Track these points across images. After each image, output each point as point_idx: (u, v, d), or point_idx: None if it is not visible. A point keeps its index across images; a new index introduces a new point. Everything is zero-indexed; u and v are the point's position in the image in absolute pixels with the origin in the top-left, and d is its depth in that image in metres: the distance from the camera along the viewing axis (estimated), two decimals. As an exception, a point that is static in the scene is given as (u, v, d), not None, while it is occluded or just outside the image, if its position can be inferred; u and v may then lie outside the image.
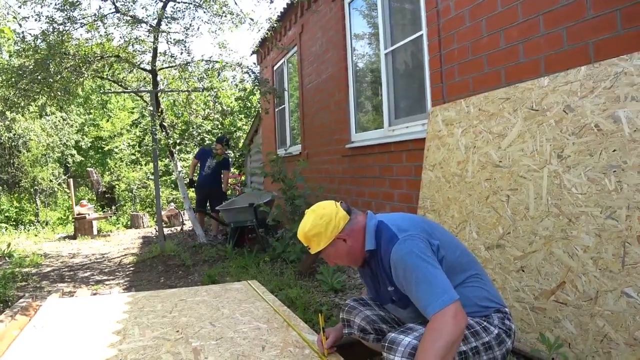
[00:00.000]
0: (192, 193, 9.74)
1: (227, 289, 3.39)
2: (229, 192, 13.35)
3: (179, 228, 9.78)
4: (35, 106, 7.43)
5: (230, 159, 8.74)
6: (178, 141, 7.41)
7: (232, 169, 15.76)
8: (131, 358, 2.17)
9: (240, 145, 14.94)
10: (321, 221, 1.89)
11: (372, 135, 5.35)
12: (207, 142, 8.00)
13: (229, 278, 4.78)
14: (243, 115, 17.35)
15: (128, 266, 6.49)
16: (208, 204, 8.22)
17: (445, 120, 3.50)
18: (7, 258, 7.07)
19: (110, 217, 11.95)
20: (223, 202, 7.98)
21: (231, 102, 11.78)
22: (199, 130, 7.71)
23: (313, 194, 5.30)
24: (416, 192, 3.85)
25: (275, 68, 9.55)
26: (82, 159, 16.02)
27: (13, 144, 11.84)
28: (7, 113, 8.21)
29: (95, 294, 4.70)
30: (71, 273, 6.14)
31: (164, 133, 7.15)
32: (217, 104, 7.23)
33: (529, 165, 2.80)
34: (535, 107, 2.79)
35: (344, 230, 1.89)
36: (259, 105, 9.57)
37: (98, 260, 7.02)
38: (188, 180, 8.34)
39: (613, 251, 2.30)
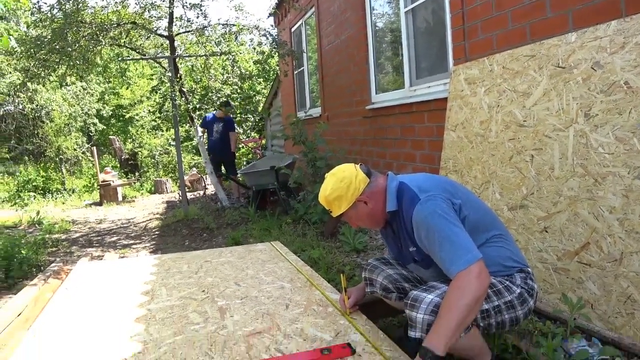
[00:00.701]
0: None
1: (250, 250, 3.44)
2: (249, 155, 13.45)
3: (201, 192, 9.90)
4: (56, 76, 7.49)
5: (234, 120, 8.76)
6: (198, 106, 7.39)
7: (252, 133, 15.85)
8: (159, 317, 2.23)
9: (260, 109, 14.90)
10: (341, 184, 1.89)
11: (393, 96, 5.27)
12: (229, 107, 7.96)
13: (252, 240, 4.85)
14: (262, 79, 17.25)
15: (153, 230, 6.62)
16: (223, 168, 8.29)
17: (468, 79, 3.43)
18: (37, 225, 7.28)
19: (134, 183, 12.15)
20: (234, 163, 8.18)
21: (249, 66, 11.70)
22: (218, 95, 7.67)
23: (334, 156, 5.28)
24: (438, 153, 3.81)
25: (293, 30, 9.42)
26: (104, 127, 16.18)
27: (36, 114, 12.00)
28: (29, 84, 8.28)
29: (122, 257, 4.82)
30: (99, 238, 6.30)
31: (183, 98, 7.16)
32: (235, 67, 7.18)
33: (555, 125, 2.74)
34: (562, 65, 2.71)
35: (364, 193, 1.88)
36: (277, 68, 9.48)
37: (124, 225, 7.18)
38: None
39: (640, 212, 2.26)
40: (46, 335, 2.11)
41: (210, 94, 7.35)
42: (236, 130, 8.54)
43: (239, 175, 8.34)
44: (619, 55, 2.36)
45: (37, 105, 11.57)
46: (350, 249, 4.05)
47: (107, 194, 9.94)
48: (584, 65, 2.58)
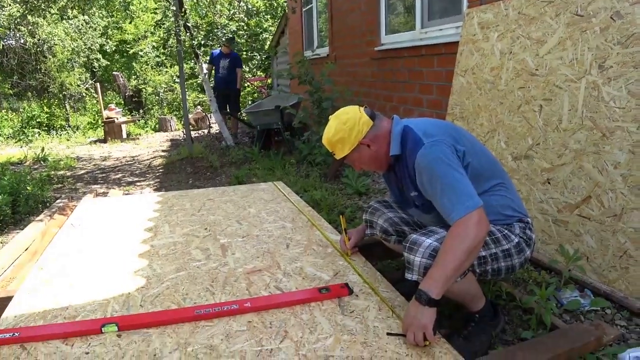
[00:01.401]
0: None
1: (253, 189, 3.46)
2: (255, 94, 13.31)
3: (206, 131, 9.88)
4: (56, 8, 7.29)
5: (240, 56, 8.78)
6: (203, 42, 7.24)
7: (258, 72, 15.62)
8: (162, 253, 2.27)
9: (267, 47, 14.61)
10: (344, 127, 1.87)
11: (403, 38, 5.14)
12: (234, 44, 7.80)
13: (256, 179, 4.87)
14: (269, 16, 16.80)
15: (157, 168, 6.66)
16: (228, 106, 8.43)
17: (482, 23, 3.32)
18: (42, 162, 7.32)
19: (139, 120, 12.10)
20: (238, 101, 8.26)
21: (257, 2, 11.37)
22: (224, 31, 7.48)
23: (340, 97, 5.22)
24: (446, 98, 3.74)
25: (302, -35, 9.09)
26: (108, 63, 15.93)
27: (38, 49, 11.78)
28: (29, 17, 8.07)
29: (127, 194, 4.87)
30: (103, 175, 6.34)
31: (188, 34, 7.00)
32: (241, 3, 6.97)
33: (567, 75, 2.67)
34: (580, 12, 2.61)
35: (367, 136, 1.86)
36: (285, 4, 9.21)
37: (128, 163, 7.21)
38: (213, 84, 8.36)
39: (647, 168, 2.24)
40: (53, 268, 2.16)
41: (215, 30, 7.18)
42: (242, 68, 8.50)
43: (243, 114, 8.28)
44: (641, 6, 2.27)
45: (38, 40, 11.36)
46: (353, 192, 4.07)
47: (112, 131, 9.93)
48: (603, 15, 2.48)
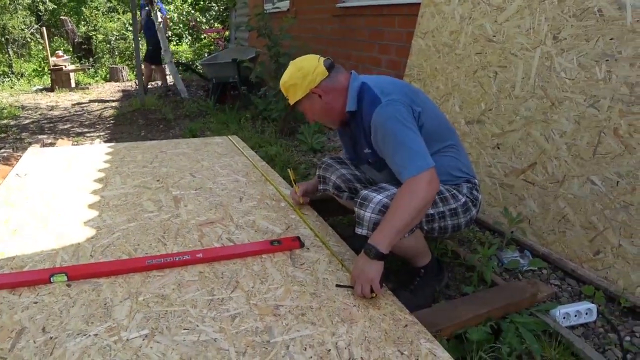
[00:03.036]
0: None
1: (207, 142, 3.42)
2: (211, 47, 12.91)
3: (159, 83, 9.58)
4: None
5: (160, 1, 8.10)
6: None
7: (216, 24, 15.12)
8: (113, 204, 2.23)
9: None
10: (298, 73, 1.87)
11: (364, -5, 5.09)
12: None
13: (210, 133, 4.81)
14: (229, -34, 16.21)
15: (108, 119, 6.44)
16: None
17: (443, -17, 3.33)
18: (-18, 110, 6.94)
19: (88, 69, 11.57)
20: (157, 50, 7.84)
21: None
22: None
23: (298, 53, 5.14)
24: (404, 59, 3.76)
25: None
26: (55, 6, 15.03)
27: (-25, -12, 11.00)
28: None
29: (75, 145, 4.71)
30: (50, 125, 6.09)
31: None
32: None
33: (523, 44, 2.72)
34: (541, -18, 2.64)
35: (320, 86, 1.86)
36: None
37: (77, 113, 6.94)
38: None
39: (588, 139, 2.34)
40: (-4, 217, 2.09)
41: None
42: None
43: (198, 66, 8.05)
44: (598, -19, 2.31)
45: (-22, -23, 10.59)
46: (308, 149, 4.08)
47: (59, 80, 9.47)
48: (561, -14, 2.53)
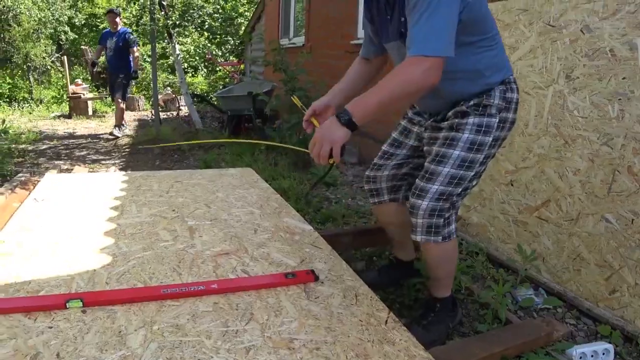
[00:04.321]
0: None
1: (222, 174, 3.45)
2: (226, 79, 13.14)
3: (174, 113, 9.74)
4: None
5: (131, 34, 7.39)
6: (177, 22, 7.12)
7: (231, 57, 15.44)
8: (129, 232, 2.26)
9: (241, 32, 14.47)
10: None
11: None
12: (207, 25, 7.62)
13: (224, 165, 4.86)
14: (246, 1, 16.63)
15: (124, 147, 6.55)
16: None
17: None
18: (2, 134, 7.07)
19: (106, 97, 11.80)
20: (126, 88, 7.27)
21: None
22: (200, 13, 7.37)
23: (313, 88, 5.23)
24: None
25: (282, -48, 9.03)
26: (76, 36, 15.45)
27: (2, 17, 11.34)
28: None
29: (92, 172, 4.78)
30: (67, 152, 6.20)
31: (162, 13, 6.88)
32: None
33: (536, 82, 2.76)
34: (553, 23, 2.70)
35: None
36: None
37: (94, 141, 7.06)
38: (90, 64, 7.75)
39: (602, 177, 2.35)
40: (14, 242, 2.12)
41: (191, 11, 7.07)
42: (137, 48, 7.47)
43: (213, 98, 8.12)
44: (609, 22, 2.36)
45: (3, 7, 10.93)
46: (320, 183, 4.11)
47: (77, 107, 9.67)
48: (573, 27, 2.57)
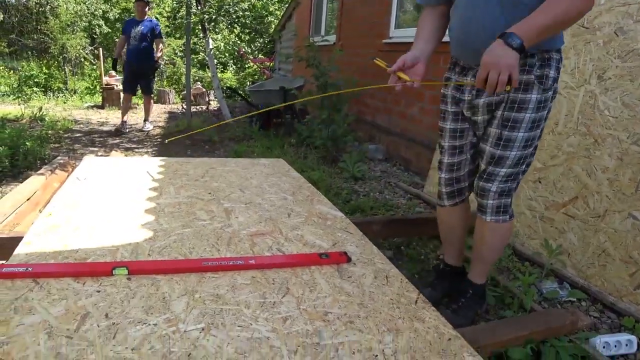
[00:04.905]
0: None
1: (255, 163, 3.55)
2: (255, 76, 13.28)
3: (204, 107, 9.90)
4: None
5: (157, 23, 7.10)
6: (213, 17, 7.25)
7: (260, 55, 15.59)
8: (168, 211, 2.36)
9: (271, 30, 14.62)
10: None
11: (411, 33, 5.22)
12: (239, 21, 7.70)
13: (255, 156, 4.97)
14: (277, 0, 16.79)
15: (156, 137, 6.71)
16: (138, 85, 7.12)
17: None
18: (39, 121, 7.30)
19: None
20: (151, 80, 7.09)
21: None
22: (235, 8, 7.46)
23: (345, 85, 5.31)
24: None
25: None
26: (109, 30, 15.78)
27: (41, 9, 11.67)
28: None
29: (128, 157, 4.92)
30: (101, 139, 6.38)
31: (199, 7, 7.01)
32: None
33: (567, 82, 2.79)
34: (586, 25, 2.72)
35: None
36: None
37: (127, 130, 7.23)
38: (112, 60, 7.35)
39: (630, 175, 2.38)
40: (60, 216, 2.23)
41: (227, 6, 7.18)
42: (164, 41, 7.20)
43: (246, 92, 8.16)
44: (643, 25, 2.38)
45: (42, -1, 11.27)
46: (349, 176, 4.18)
47: (110, 98, 9.91)
48: (607, 29, 2.60)
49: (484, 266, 2.15)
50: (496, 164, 1.91)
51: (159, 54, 7.03)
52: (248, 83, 12.71)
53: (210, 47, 7.76)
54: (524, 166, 1.95)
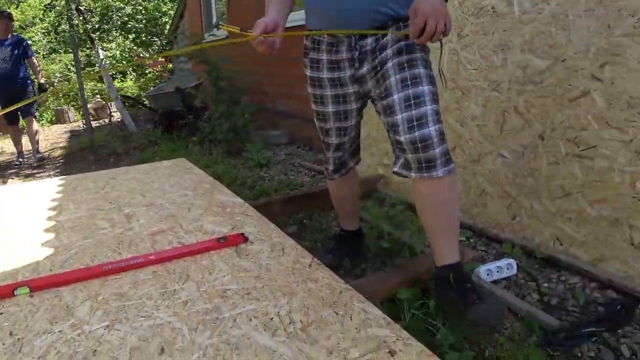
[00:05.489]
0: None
1: (156, 166, 3.57)
2: (156, 80, 12.99)
3: (107, 120, 9.62)
4: None
5: (25, 39, 6.42)
6: (97, 26, 7.05)
7: (160, 58, 15.21)
8: (68, 226, 2.37)
9: (167, 31, 14.31)
10: None
11: (299, 17, 5.35)
12: (130, 26, 7.55)
13: (159, 160, 4.94)
14: None
15: (57, 159, 6.48)
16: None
17: None
18: None
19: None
20: (32, 101, 6.38)
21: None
22: (119, 14, 7.29)
23: (238, 76, 5.38)
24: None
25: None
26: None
27: None
28: None
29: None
30: (-2, 170, 6.09)
31: (81, 18, 6.78)
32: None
33: (432, 44, 3.03)
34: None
35: None
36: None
37: (25, 157, 6.92)
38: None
39: (494, 119, 2.65)
40: (-46, 247, 2.19)
41: (110, 13, 7.00)
42: (36, 57, 6.50)
43: (143, 99, 8.06)
44: (488, -15, 2.65)
45: None
46: (254, 164, 4.29)
47: (2, 125, 9.38)
48: (461, -10, 2.86)
49: (455, 237, 1.85)
50: (417, 104, 1.70)
51: (40, 77, 6.41)
52: (151, 89, 12.42)
53: (102, 57, 7.54)
54: (439, 105, 1.78)
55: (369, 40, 1.84)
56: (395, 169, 1.83)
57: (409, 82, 1.73)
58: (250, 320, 1.50)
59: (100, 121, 9.80)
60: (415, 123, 1.69)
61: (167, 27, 14.90)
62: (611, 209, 2.18)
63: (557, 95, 2.36)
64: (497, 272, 2.22)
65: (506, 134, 2.60)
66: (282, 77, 5.70)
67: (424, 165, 1.70)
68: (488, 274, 2.20)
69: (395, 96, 1.75)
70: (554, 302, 2.09)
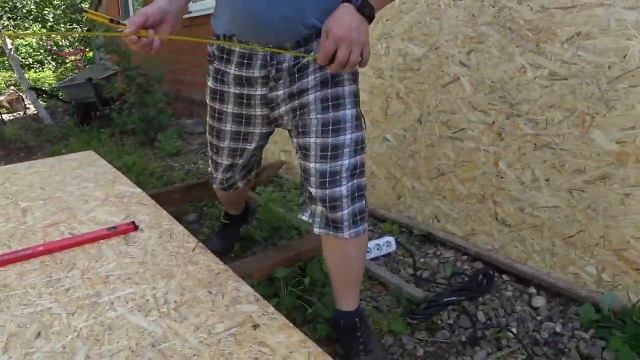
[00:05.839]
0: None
1: (62, 159, 3.55)
2: (75, 70, 12.53)
3: (22, 113, 9.24)
4: None
5: None
6: (2, 14, 6.75)
7: (80, 46, 14.64)
8: (-40, 223, 2.37)
9: (85, 18, 13.80)
10: None
11: (211, 4, 5.38)
12: (48, 13, 7.24)
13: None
14: (84, -15, 15.75)
15: (-38, 156, 6.21)
16: None
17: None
18: None
19: None
20: None
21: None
22: (25, 2, 7.00)
23: (148, 66, 5.36)
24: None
25: None
26: None
27: None
28: None
29: None
30: None
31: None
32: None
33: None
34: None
35: None
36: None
37: None
38: None
39: (380, 105, 2.86)
40: None
41: (14, 1, 6.72)
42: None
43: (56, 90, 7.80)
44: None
45: None
46: (165, 154, 4.34)
47: None
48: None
49: (356, 289, 1.79)
50: (334, 157, 1.55)
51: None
52: (68, 77, 11.99)
53: (10, 46, 7.23)
54: (364, 152, 1.67)
55: (288, 56, 1.58)
56: (303, 217, 1.76)
57: (330, 128, 1.56)
58: (127, 302, 1.61)
59: (15, 114, 9.39)
60: (327, 179, 1.56)
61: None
62: (479, 186, 2.43)
63: (431, 81, 2.58)
64: (377, 249, 2.43)
65: (390, 118, 2.81)
66: (198, 66, 5.72)
67: (331, 223, 1.62)
68: (368, 252, 2.40)
69: (313, 141, 1.59)
70: (425, 275, 2.32)
